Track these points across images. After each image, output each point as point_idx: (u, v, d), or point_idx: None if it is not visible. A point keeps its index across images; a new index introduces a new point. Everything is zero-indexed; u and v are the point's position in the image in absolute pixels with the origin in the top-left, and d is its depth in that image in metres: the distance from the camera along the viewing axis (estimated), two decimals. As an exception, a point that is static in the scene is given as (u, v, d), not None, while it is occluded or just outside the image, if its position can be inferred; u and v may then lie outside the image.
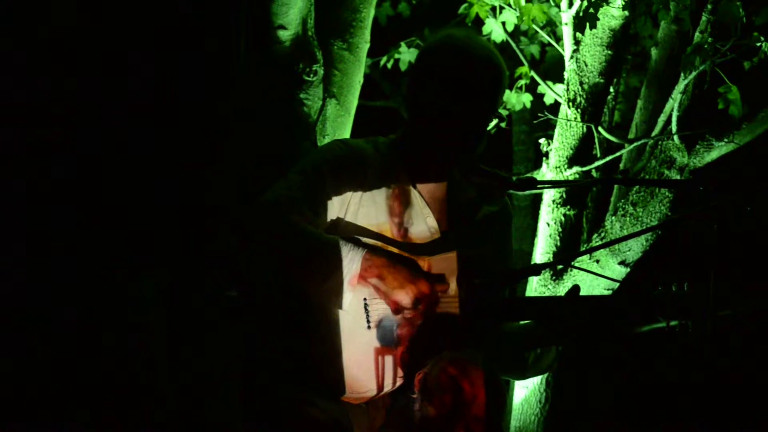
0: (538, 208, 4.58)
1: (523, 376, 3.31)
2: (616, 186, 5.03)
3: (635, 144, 4.56)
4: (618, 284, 4.23)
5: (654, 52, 5.23)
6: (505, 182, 3.08)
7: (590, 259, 4.32)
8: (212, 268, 3.31)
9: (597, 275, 4.16)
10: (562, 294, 4.31)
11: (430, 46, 3.13)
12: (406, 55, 5.68)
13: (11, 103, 3.09)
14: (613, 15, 4.34)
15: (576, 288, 2.99)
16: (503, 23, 4.83)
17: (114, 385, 3.12)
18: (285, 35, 3.83)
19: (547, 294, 4.38)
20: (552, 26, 5.30)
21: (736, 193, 2.81)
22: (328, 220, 3.05)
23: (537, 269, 3.08)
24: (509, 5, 4.65)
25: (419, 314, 2.99)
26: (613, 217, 4.38)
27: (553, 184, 4.36)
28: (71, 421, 3.08)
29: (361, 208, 3.06)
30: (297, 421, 2.92)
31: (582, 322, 2.96)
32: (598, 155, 4.46)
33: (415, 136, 3.11)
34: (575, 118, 4.44)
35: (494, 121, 3.08)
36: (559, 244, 4.48)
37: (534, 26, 4.71)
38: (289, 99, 3.90)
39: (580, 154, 4.46)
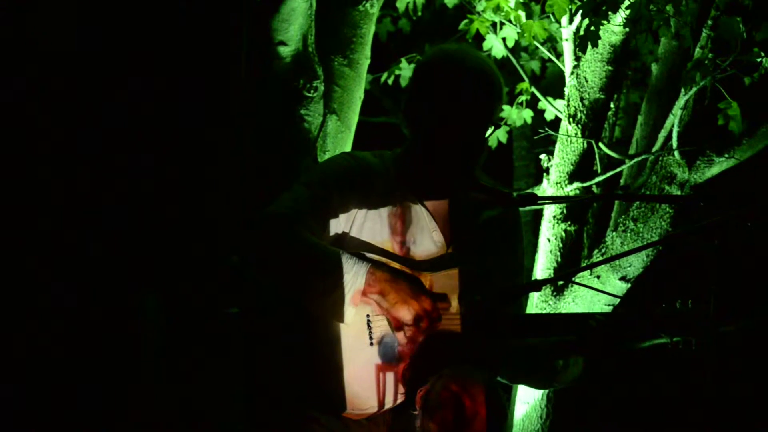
0: (539, 223, 4.58)
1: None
2: (616, 202, 5.03)
3: (636, 160, 4.57)
4: (619, 300, 4.22)
5: (654, 67, 5.24)
6: (505, 198, 3.09)
7: (591, 274, 4.31)
8: (213, 285, 3.31)
9: (598, 291, 4.15)
10: (563, 310, 4.34)
11: (425, 61, 3.15)
12: (407, 71, 5.66)
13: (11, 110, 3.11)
14: (613, 31, 4.35)
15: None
16: (504, 39, 4.84)
17: (116, 399, 3.13)
18: (285, 51, 3.84)
19: (548, 310, 4.37)
20: (552, 42, 5.30)
21: (737, 208, 2.81)
22: (334, 234, 3.05)
23: (538, 285, 3.07)
24: (510, 21, 4.66)
25: (421, 331, 2.98)
26: (614, 233, 4.37)
27: (554, 199, 4.36)
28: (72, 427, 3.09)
29: (366, 222, 3.06)
30: (298, 437, 2.93)
31: (586, 339, 2.96)
32: (599, 171, 4.46)
33: (416, 150, 3.11)
34: (576, 134, 4.44)
35: (492, 131, 3.08)
36: (559, 259, 4.47)
37: (534, 42, 4.71)
38: (290, 115, 3.90)
39: (580, 170, 4.46)
